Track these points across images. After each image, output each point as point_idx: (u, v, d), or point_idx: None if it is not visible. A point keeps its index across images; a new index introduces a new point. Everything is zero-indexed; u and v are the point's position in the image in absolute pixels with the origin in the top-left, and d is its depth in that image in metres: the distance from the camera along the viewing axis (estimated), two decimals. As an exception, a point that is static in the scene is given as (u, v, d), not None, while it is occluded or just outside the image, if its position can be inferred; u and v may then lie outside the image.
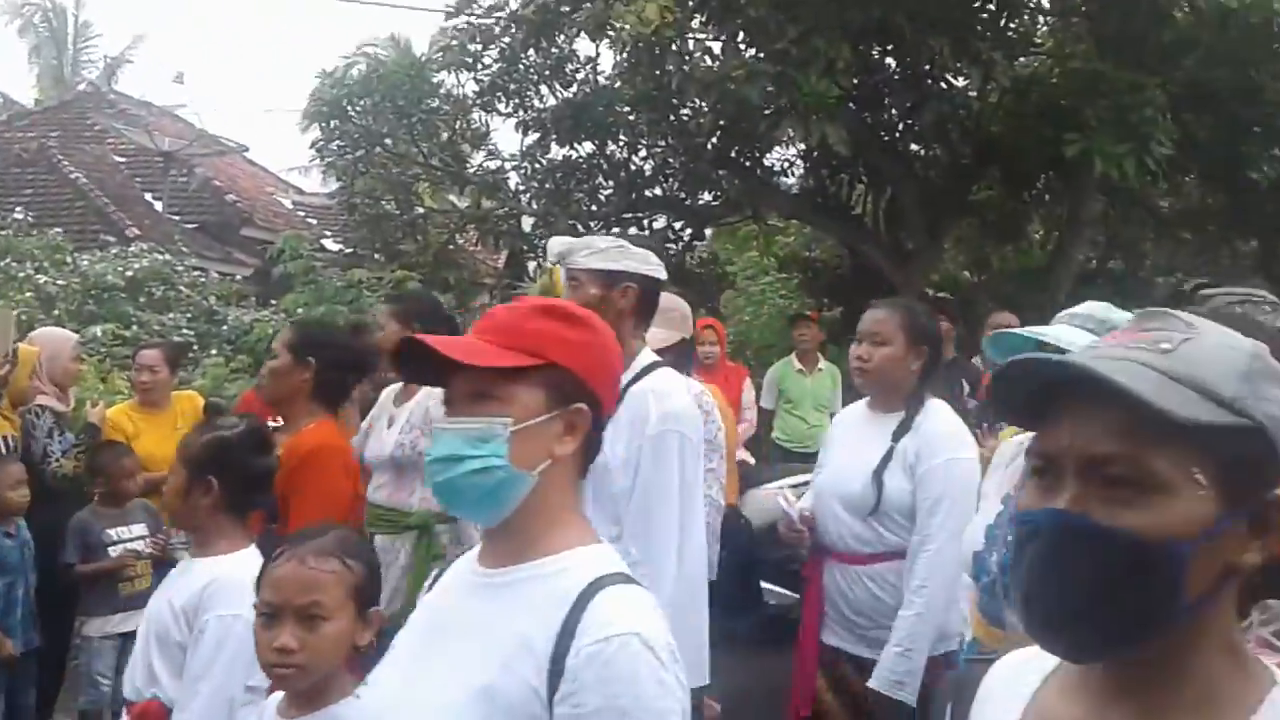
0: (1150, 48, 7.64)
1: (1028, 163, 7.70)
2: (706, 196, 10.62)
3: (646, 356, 2.61)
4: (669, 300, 3.35)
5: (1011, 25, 8.13)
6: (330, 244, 12.61)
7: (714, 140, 8.38)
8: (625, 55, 8.03)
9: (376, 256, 10.58)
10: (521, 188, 10.46)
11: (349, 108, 9.68)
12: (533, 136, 9.80)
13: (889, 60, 7.97)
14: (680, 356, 3.43)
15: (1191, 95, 8.14)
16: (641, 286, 2.57)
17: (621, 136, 9.72)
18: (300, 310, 8.64)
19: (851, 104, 7.75)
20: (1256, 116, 8.32)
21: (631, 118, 9.31)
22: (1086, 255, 10.96)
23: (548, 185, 9.85)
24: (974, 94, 7.80)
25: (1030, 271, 9.85)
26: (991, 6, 7.24)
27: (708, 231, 12.00)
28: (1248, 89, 7.99)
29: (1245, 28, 6.88)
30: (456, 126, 10.25)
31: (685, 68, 6.73)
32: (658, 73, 7.76)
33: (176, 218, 12.98)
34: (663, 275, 2.66)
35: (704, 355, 6.04)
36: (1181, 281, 11.33)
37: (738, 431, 6.66)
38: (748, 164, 9.17)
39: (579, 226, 10.09)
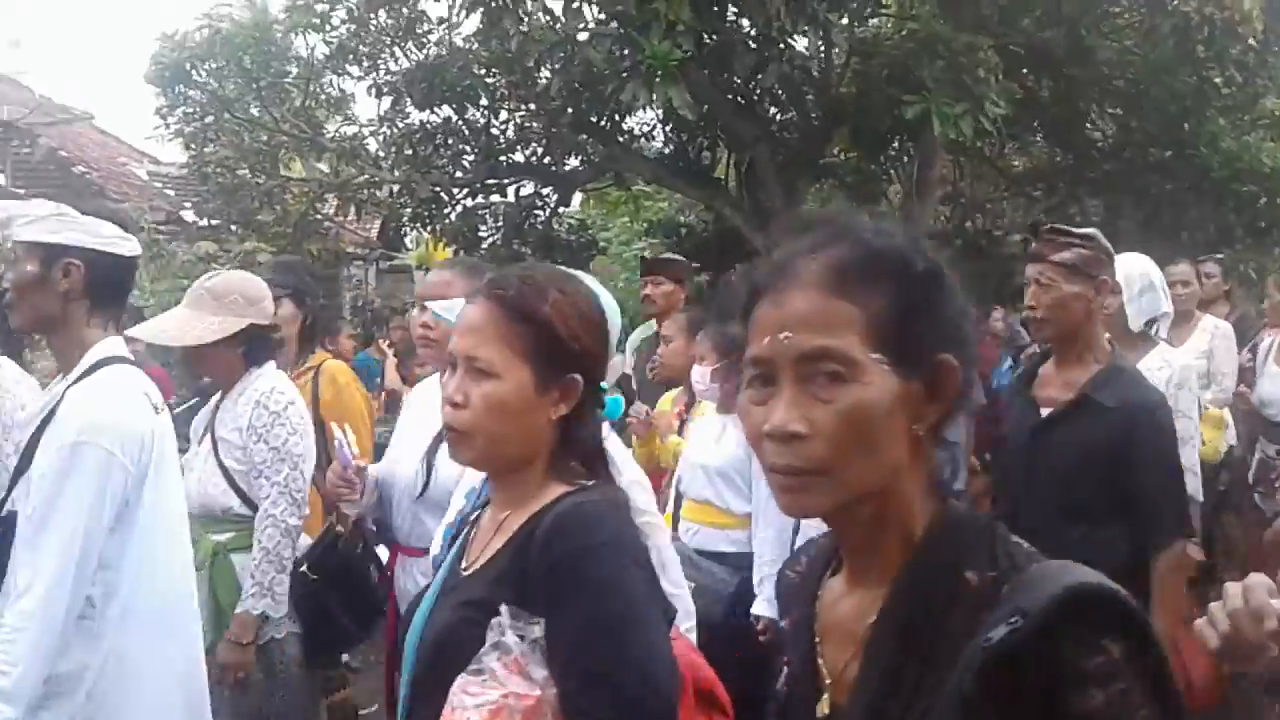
0: (987, 9, 7.81)
1: (875, 124, 7.81)
2: (573, 162, 10.55)
3: (102, 350, 2.26)
4: (229, 283, 3.12)
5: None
6: (190, 215, 12.22)
7: (571, 105, 8.30)
8: (475, 17, 7.89)
9: (233, 228, 10.26)
10: (381, 154, 10.24)
11: (193, 72, 9.32)
12: (387, 100, 9.59)
13: (743, 21, 7.99)
14: (255, 347, 3.13)
15: (1030, 56, 8.38)
16: (90, 263, 2.22)
17: (482, 100, 9.57)
18: (149, 285, 8.36)
19: (704, 67, 7.78)
20: (1092, 76, 8.62)
21: (490, 81, 9.18)
22: (945, 214, 11.25)
23: (407, 151, 9.66)
24: (816, 56, 7.89)
25: (887, 231, 10.07)
26: (830, -33, 7.32)
27: (577, 197, 11.94)
28: (1081, 49, 8.26)
29: (1072, -11, 7.07)
30: (309, 90, 9.95)
31: (524, 29, 6.63)
32: (510, 34, 7.65)
33: (22, 191, 12.35)
34: (125, 250, 2.31)
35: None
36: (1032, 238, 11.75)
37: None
38: (608, 128, 9.11)
39: (441, 193, 9.97)
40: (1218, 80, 8.09)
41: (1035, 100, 8.71)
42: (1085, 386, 2.84)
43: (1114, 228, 10.20)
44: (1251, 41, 7.50)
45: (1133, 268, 3.54)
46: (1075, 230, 2.96)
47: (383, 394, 7.73)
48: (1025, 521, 2.97)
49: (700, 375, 3.89)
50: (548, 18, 6.88)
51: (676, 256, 6.64)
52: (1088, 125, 9.52)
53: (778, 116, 9.22)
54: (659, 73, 6.27)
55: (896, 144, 9.30)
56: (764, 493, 3.45)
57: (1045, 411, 2.95)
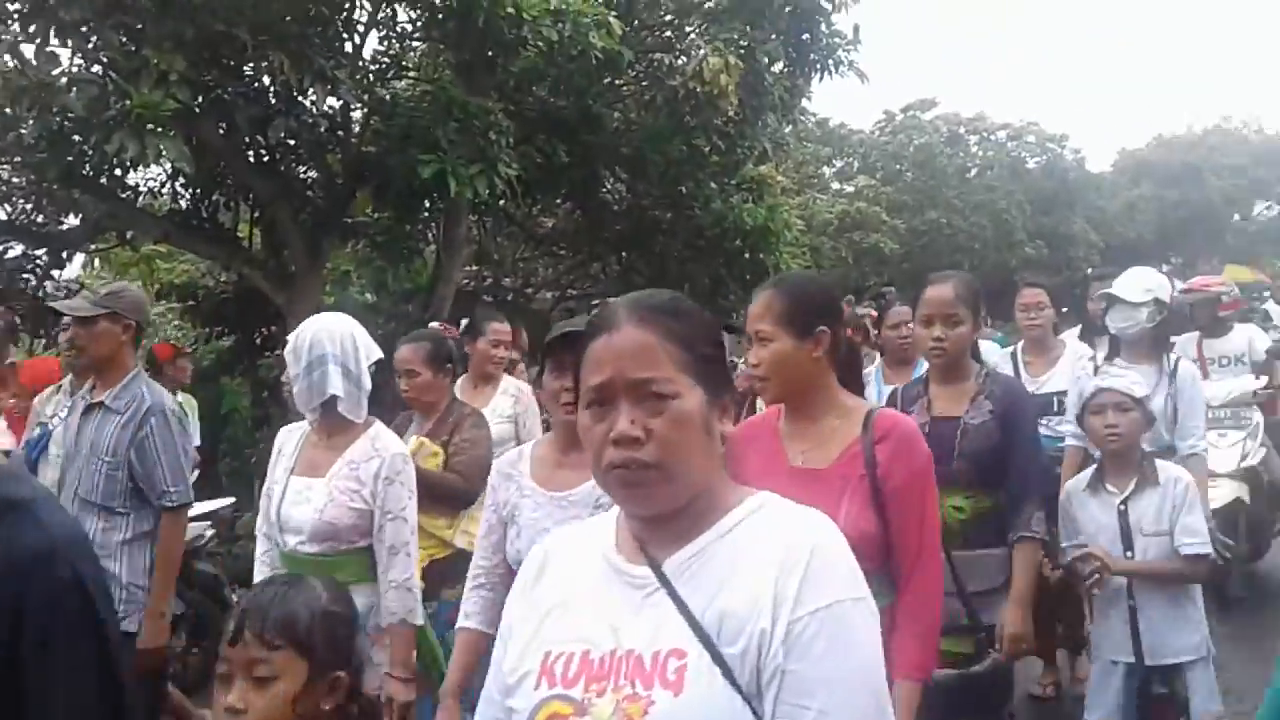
0: (502, 76, 8.10)
1: (398, 183, 7.78)
2: (72, 220, 9.50)
3: None
4: None
5: (376, 48, 8.22)
6: None
7: (56, 157, 7.43)
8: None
9: None
10: None
11: None
12: None
13: (250, 71, 7.61)
14: None
15: (545, 122, 8.80)
16: None
17: (-48, 154, 8.31)
18: None
19: (211, 119, 7.31)
20: (603, 142, 9.23)
21: (-39, 131, 7.99)
22: (480, 273, 11.48)
23: None
24: (331, 113, 7.75)
25: (420, 290, 10.05)
26: (339, 25, 7.22)
27: (79, 258, 10.74)
28: (591, 117, 8.83)
29: (570, 59, 7.51)
30: None
31: (-19, 72, 5.84)
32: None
33: None
34: None
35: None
36: (564, 295, 12.33)
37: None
38: (106, 183, 8.26)
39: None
40: (706, 148, 8.99)
41: (554, 164, 9.16)
42: None
43: (630, 283, 11.04)
44: (731, 114, 8.42)
45: (301, 341, 3.18)
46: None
47: None
48: None
49: None
50: (15, 61, 6.10)
51: None
52: (604, 189, 10.17)
53: (300, 173, 8.90)
54: (149, 123, 5.78)
55: (429, 204, 9.34)
56: None
57: None
